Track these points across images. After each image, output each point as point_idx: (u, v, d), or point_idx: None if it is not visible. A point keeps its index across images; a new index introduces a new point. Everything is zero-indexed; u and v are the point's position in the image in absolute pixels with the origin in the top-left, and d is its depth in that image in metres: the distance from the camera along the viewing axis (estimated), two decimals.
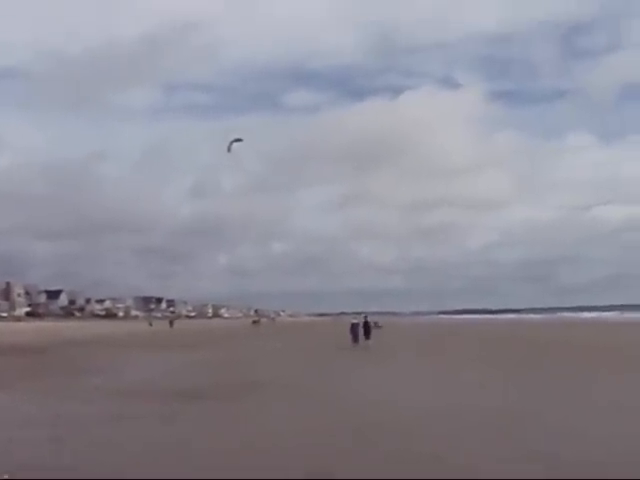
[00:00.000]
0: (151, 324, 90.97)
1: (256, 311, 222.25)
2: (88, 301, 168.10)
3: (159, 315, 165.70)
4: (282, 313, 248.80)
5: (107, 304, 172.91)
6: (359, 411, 11.14)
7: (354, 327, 32.30)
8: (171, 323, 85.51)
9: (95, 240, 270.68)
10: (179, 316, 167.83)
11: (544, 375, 17.42)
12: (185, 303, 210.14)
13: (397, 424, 9.79)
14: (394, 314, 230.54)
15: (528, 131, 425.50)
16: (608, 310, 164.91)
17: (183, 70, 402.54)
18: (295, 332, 65.34)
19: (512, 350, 29.13)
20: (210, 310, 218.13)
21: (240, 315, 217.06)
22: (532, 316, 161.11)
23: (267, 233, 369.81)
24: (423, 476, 6.65)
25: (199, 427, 9.79)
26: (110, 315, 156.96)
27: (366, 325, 31.91)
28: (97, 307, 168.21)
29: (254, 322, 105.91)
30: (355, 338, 31.56)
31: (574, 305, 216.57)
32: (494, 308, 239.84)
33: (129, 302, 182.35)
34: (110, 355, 27.49)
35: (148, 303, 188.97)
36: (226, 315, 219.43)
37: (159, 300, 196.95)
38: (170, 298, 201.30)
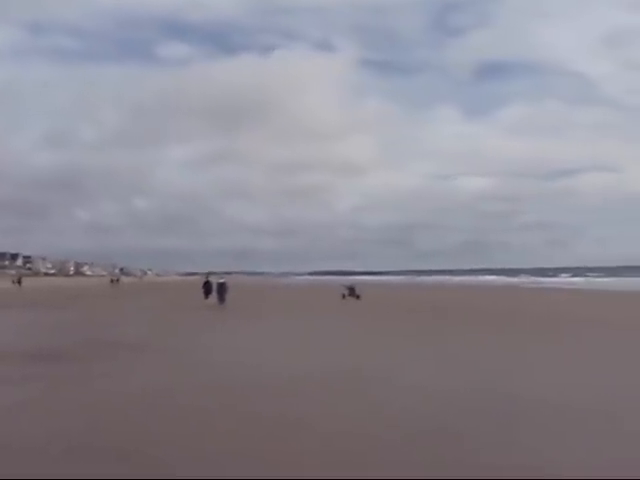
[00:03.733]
0: None
1: (121, 269, 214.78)
2: None
3: (13, 272, 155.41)
4: (149, 272, 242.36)
5: None
6: (221, 371, 11.47)
7: (206, 285, 34.23)
8: (19, 281, 76.70)
9: None
10: (37, 273, 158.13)
11: (402, 334, 18.81)
12: (44, 260, 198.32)
13: (262, 386, 10.10)
14: (264, 274, 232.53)
15: (396, 100, 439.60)
16: (465, 274, 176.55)
17: (52, 11, 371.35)
18: (159, 291, 64.24)
19: (364, 311, 30.90)
20: (72, 268, 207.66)
21: (104, 273, 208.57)
22: (393, 278, 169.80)
23: (131, 189, 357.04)
24: (289, 439, 6.90)
25: (51, 389, 9.75)
26: None
27: (221, 287, 32.72)
28: None
29: (112, 281, 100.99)
30: (206, 295, 33.53)
31: (433, 268, 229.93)
32: (359, 270, 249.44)
33: None
34: None
35: (2, 259, 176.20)
36: (89, 273, 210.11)
37: (14, 256, 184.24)
38: (27, 254, 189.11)
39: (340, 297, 40.85)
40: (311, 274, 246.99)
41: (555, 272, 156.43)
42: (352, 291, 41.87)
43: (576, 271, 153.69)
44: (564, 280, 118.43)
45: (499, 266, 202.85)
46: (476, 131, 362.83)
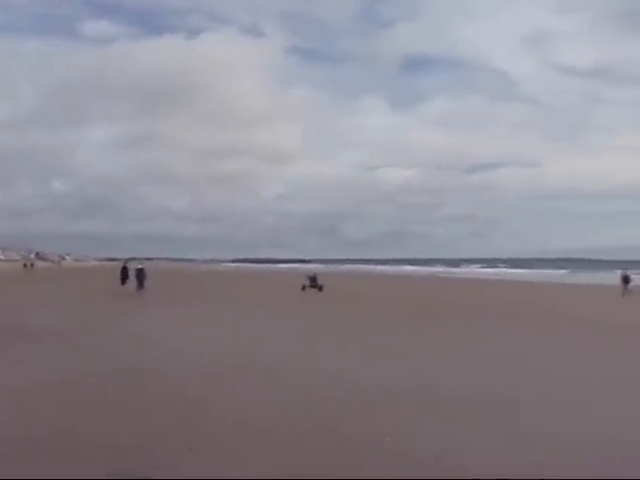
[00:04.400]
0: None
1: (37, 254, 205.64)
2: None
3: None
4: (67, 257, 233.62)
5: None
6: (130, 357, 11.62)
7: (124, 270, 33.77)
8: None
9: None
10: None
11: (311, 317, 19.30)
12: None
13: (169, 369, 10.40)
14: (188, 261, 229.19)
15: (324, 89, 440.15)
16: (388, 264, 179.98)
17: None
18: (75, 276, 62.33)
19: (282, 295, 31.37)
20: None
21: (19, 258, 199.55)
22: (318, 266, 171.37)
23: (50, 170, 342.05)
24: (187, 419, 7.25)
25: None
26: None
27: (140, 273, 32.37)
28: None
29: (25, 266, 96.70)
30: (123, 281, 33.14)
31: (357, 257, 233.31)
32: (282, 257, 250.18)
33: None
34: None
35: None
36: (1, 257, 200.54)
37: None
38: None
39: (300, 288, 37.03)
40: (235, 261, 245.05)
41: (471, 263, 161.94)
42: (314, 281, 38.42)
43: (491, 262, 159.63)
44: (477, 270, 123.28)
45: (420, 256, 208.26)
46: (402, 123, 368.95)
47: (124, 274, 33.55)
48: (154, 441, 6.26)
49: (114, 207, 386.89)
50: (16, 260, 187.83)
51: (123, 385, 9.07)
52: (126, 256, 60.53)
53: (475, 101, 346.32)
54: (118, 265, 42.40)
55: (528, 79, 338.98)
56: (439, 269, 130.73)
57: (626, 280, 38.52)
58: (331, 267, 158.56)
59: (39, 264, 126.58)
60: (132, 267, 34.02)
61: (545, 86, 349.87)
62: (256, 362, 11.19)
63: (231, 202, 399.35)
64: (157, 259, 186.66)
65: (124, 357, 11.58)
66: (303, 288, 37.02)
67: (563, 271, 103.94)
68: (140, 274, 32.23)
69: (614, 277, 46.22)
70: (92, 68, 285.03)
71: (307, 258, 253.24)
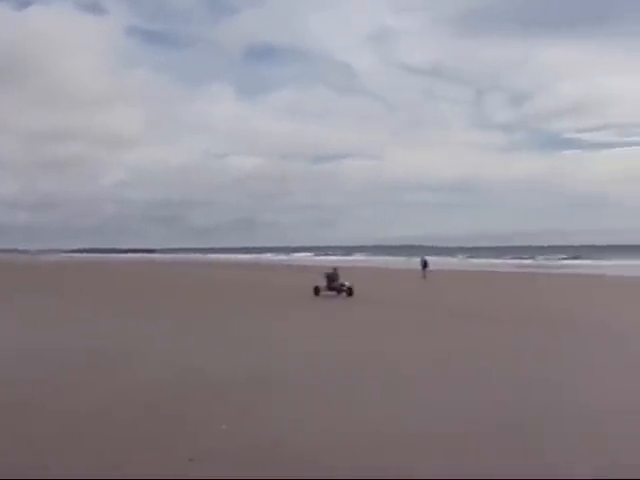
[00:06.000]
0: None
1: None
2: None
3: None
4: None
5: None
6: None
7: None
8: None
9: None
10: None
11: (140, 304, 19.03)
12: None
13: None
14: (19, 252, 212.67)
15: (167, 73, 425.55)
16: (236, 252, 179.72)
17: None
18: None
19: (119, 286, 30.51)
20: None
21: None
22: (164, 255, 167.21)
23: None
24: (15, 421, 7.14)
25: None
26: None
27: None
28: None
29: None
30: None
31: (205, 246, 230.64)
32: (126, 247, 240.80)
33: None
34: None
35: None
36: None
37: None
38: None
39: (312, 291, 25.87)
40: (75, 251, 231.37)
41: (320, 251, 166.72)
42: (332, 281, 26.16)
43: (340, 250, 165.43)
44: (329, 259, 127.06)
45: (268, 244, 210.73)
46: (248, 111, 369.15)
47: None
48: None
49: None
50: None
51: None
52: None
53: (320, 93, 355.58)
54: None
55: (371, 74, 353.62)
56: (284, 257, 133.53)
57: (425, 264, 43.43)
58: (178, 256, 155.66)
59: None
60: None
61: (387, 82, 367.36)
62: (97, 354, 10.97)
63: (67, 189, 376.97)
64: None
65: None
66: (316, 292, 25.75)
67: (400, 258, 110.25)
68: None
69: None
70: None
71: (153, 247, 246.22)
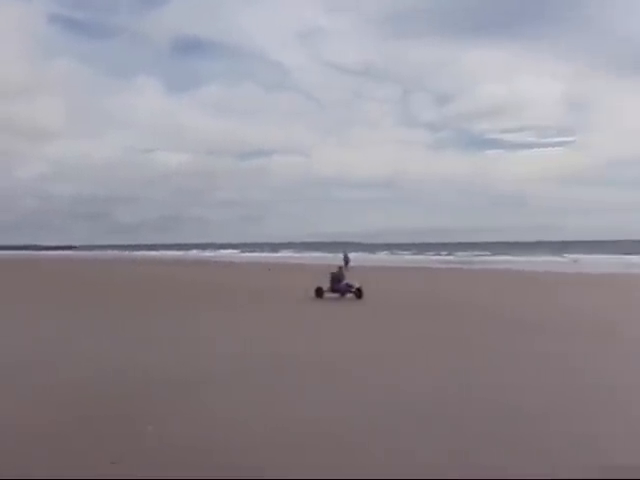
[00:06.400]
0: None
1: None
2: None
3: None
4: None
5: None
6: None
7: None
8: None
9: None
10: None
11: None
12: None
13: None
14: None
15: (92, 65, 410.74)
16: (161, 249, 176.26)
17: None
18: None
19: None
20: None
21: None
22: (86, 253, 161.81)
23: None
24: None
25: None
26: None
27: None
28: None
29: None
30: None
31: (130, 243, 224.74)
32: (45, 244, 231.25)
33: None
34: None
35: None
36: None
37: None
38: None
39: (314, 292, 23.54)
40: None
41: (247, 248, 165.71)
42: (337, 281, 23.67)
43: (268, 246, 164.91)
44: (256, 255, 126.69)
45: (194, 241, 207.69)
46: (176, 106, 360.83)
47: None
48: None
49: None
50: None
51: None
52: None
53: (250, 89, 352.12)
54: None
55: (301, 72, 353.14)
56: (210, 254, 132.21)
57: (346, 260, 45.98)
58: (100, 253, 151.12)
59: None
60: None
61: (317, 80, 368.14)
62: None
63: None
64: None
65: None
66: (319, 293, 23.39)
67: (327, 254, 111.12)
68: None
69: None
70: None
71: (75, 244, 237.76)
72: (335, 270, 24.35)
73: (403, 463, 5.76)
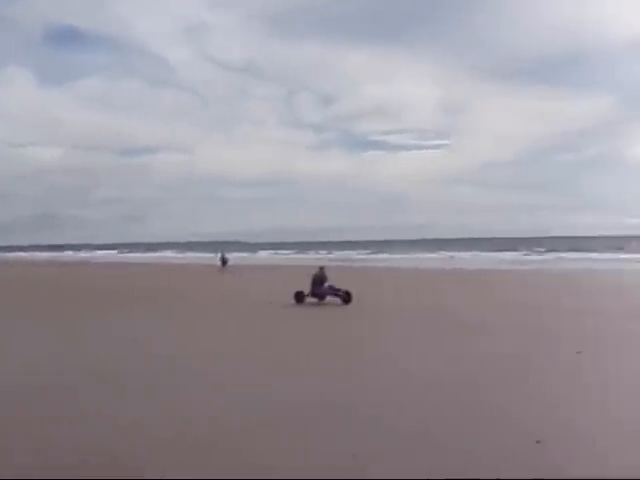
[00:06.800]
0: None
1: None
2: None
3: None
4: None
5: None
6: None
7: None
8: None
9: None
10: None
11: None
12: None
13: None
14: None
15: None
16: (34, 250, 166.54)
17: None
18: None
19: None
20: None
21: None
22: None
23: None
24: None
25: None
26: None
27: None
28: None
29: None
30: None
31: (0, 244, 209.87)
32: None
33: None
34: None
35: None
36: None
37: None
38: None
39: (293, 297, 20.50)
40: None
41: (126, 248, 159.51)
42: (318, 284, 20.63)
43: (149, 246, 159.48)
44: (141, 255, 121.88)
45: (71, 241, 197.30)
46: (51, 99, 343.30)
47: None
48: None
49: None
50: None
51: None
52: None
53: (132, 84, 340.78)
54: None
55: (186, 69, 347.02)
56: (98, 253, 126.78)
57: (224, 261, 47.39)
58: None
59: None
60: None
61: (201, 77, 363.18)
62: None
63: None
64: None
65: None
66: (299, 297, 20.34)
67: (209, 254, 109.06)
68: None
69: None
70: None
71: None
72: (316, 271, 20.94)
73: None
